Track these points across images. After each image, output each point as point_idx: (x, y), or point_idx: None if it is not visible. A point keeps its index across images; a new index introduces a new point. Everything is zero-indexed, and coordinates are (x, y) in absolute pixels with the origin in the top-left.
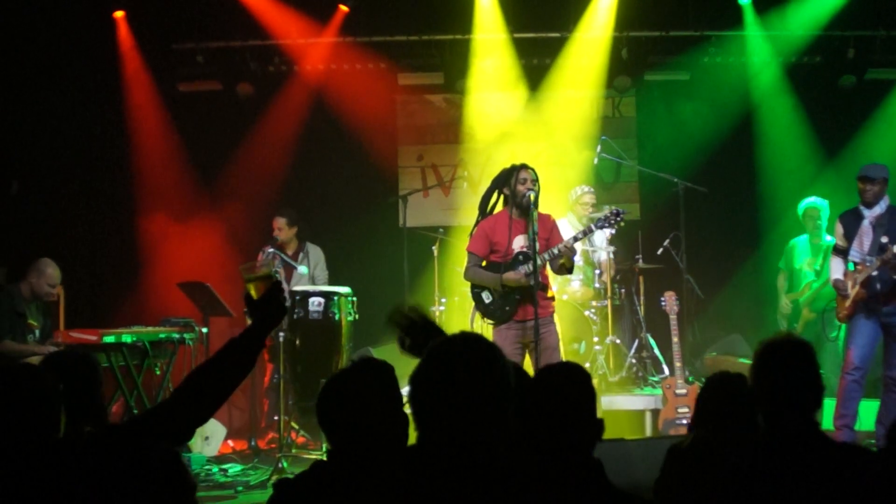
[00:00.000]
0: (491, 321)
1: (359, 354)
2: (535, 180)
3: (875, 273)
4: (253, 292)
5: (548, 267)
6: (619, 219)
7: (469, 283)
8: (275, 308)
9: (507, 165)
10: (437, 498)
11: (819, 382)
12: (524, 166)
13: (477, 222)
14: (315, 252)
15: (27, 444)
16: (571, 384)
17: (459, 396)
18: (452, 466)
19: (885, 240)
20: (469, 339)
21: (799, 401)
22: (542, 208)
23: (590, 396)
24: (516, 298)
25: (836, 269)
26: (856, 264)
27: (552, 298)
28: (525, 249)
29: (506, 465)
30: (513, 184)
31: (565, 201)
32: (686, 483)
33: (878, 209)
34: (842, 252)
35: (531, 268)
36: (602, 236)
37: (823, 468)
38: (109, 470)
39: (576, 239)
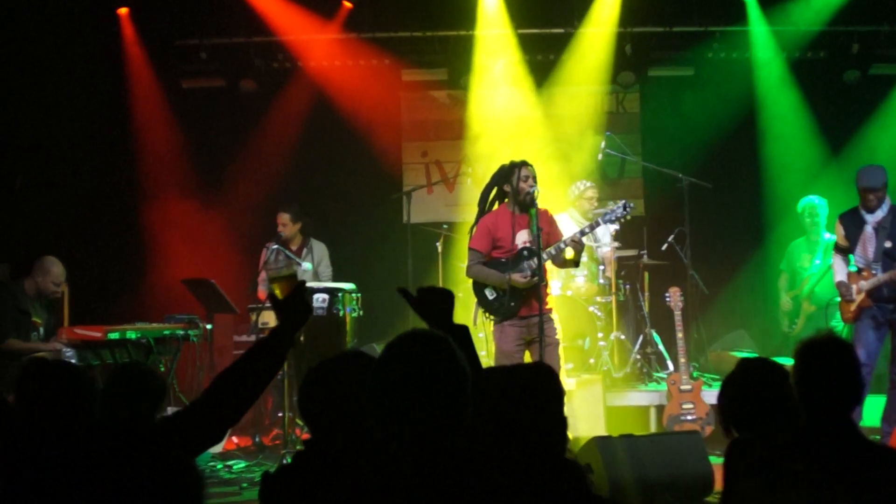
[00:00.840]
0: (495, 317)
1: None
2: (535, 177)
3: (884, 279)
4: (277, 292)
5: (547, 265)
6: (626, 212)
7: (471, 280)
8: (301, 306)
9: (507, 162)
10: (405, 492)
11: (859, 381)
12: (524, 163)
13: (477, 219)
14: (319, 248)
15: (61, 431)
16: (538, 384)
17: (417, 394)
18: (416, 464)
19: (888, 245)
20: (422, 336)
21: (837, 400)
22: (546, 204)
23: (557, 396)
24: (522, 294)
25: (840, 269)
26: (860, 269)
27: (548, 294)
28: (528, 244)
29: (468, 458)
30: (514, 181)
31: (565, 195)
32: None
33: (880, 213)
34: (843, 250)
35: (535, 263)
36: (607, 232)
37: (859, 469)
38: (132, 466)
39: (583, 233)
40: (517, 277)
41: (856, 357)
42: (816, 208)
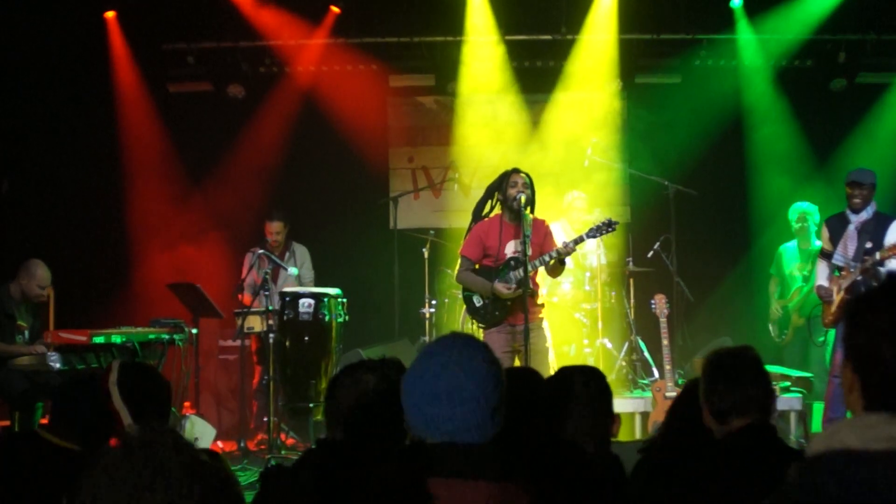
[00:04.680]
0: (481, 324)
1: (349, 357)
2: (527, 184)
3: (859, 278)
4: None
5: (539, 273)
6: (611, 229)
7: (460, 286)
8: None
9: (500, 169)
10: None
11: (768, 392)
12: (516, 170)
13: (470, 226)
14: (301, 251)
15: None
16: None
17: (455, 397)
18: (450, 467)
19: (869, 245)
20: (461, 339)
21: (746, 412)
22: (534, 211)
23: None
24: (507, 304)
25: (822, 273)
26: (840, 269)
27: (542, 305)
28: (517, 255)
29: (499, 463)
30: (504, 188)
31: (556, 204)
32: (654, 488)
33: (865, 214)
34: (828, 256)
35: (522, 273)
36: (593, 241)
37: (772, 477)
38: None
39: (576, 242)
40: (501, 288)
41: (763, 371)
42: (808, 215)
